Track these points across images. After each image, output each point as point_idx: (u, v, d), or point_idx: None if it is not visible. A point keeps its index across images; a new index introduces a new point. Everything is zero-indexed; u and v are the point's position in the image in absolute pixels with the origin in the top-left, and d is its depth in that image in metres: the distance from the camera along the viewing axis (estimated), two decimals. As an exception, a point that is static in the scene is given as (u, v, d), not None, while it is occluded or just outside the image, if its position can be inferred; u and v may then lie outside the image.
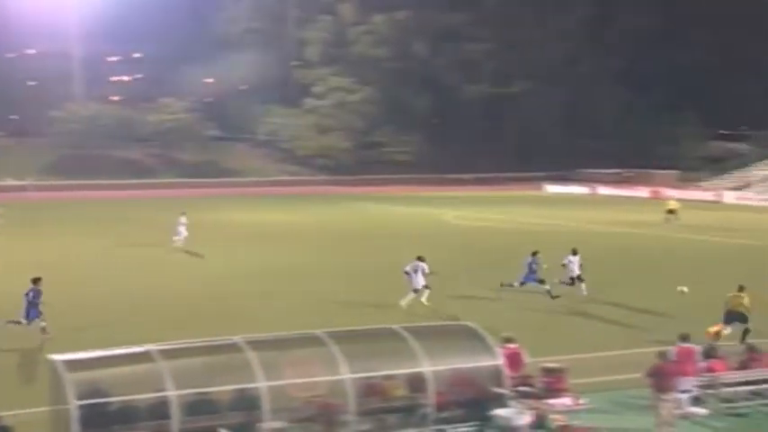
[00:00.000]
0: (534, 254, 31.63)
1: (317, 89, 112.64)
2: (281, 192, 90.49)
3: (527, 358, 18.71)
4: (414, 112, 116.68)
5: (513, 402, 16.96)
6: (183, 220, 45.57)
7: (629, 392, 19.14)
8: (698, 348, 19.18)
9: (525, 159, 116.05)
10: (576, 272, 31.88)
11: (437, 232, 54.20)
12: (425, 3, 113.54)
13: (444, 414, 16.67)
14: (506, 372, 17.26)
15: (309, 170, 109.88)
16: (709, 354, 19.38)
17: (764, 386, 18.80)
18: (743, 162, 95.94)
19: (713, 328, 23.76)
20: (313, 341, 16.98)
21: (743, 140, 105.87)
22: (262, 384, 15.73)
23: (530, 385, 17.97)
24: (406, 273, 29.67)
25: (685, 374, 18.12)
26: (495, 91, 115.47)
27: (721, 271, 37.51)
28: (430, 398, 16.43)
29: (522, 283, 31.29)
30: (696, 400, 18.48)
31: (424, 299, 29.34)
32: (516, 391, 17.39)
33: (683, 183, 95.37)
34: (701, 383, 18.52)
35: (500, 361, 17.29)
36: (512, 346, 18.75)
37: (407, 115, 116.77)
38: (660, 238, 51.38)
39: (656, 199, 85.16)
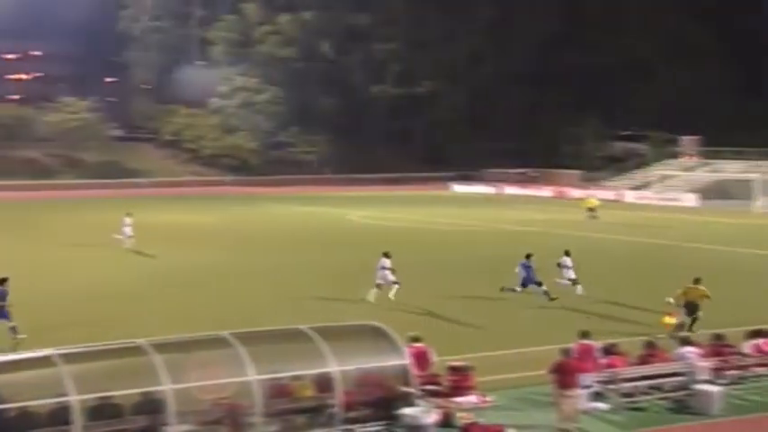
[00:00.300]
0: (528, 257, 31.06)
1: (222, 89, 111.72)
2: (187, 192, 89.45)
3: (434, 357, 18.82)
4: (320, 112, 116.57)
5: (420, 401, 17.03)
6: (128, 221, 45.05)
7: (534, 389, 19.41)
8: (597, 345, 19.54)
9: (432, 159, 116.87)
10: (572, 274, 31.79)
11: (343, 232, 54.24)
12: (331, 3, 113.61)
13: (352, 414, 16.67)
14: (413, 371, 17.34)
15: (215, 170, 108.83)
16: (609, 350, 19.78)
17: (662, 380, 19.27)
18: (642, 162, 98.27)
19: (669, 319, 24.83)
20: (219, 342, 16.80)
21: (642, 141, 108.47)
22: (167, 387, 15.50)
23: (437, 384, 18.08)
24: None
25: (586, 371, 18.45)
26: (401, 91, 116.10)
27: (639, 268, 38.53)
28: (337, 398, 16.42)
29: (523, 286, 30.76)
30: (597, 396, 18.84)
31: (370, 296, 29.78)
32: (423, 390, 17.48)
33: (587, 182, 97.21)
34: (601, 379, 18.88)
35: (407, 360, 17.36)
36: (418, 345, 18.84)
37: (314, 115, 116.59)
38: (567, 237, 52.23)
39: (561, 198, 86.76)
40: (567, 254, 32.40)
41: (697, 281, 25.93)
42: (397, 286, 30.10)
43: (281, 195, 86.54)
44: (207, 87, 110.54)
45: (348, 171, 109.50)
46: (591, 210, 62.31)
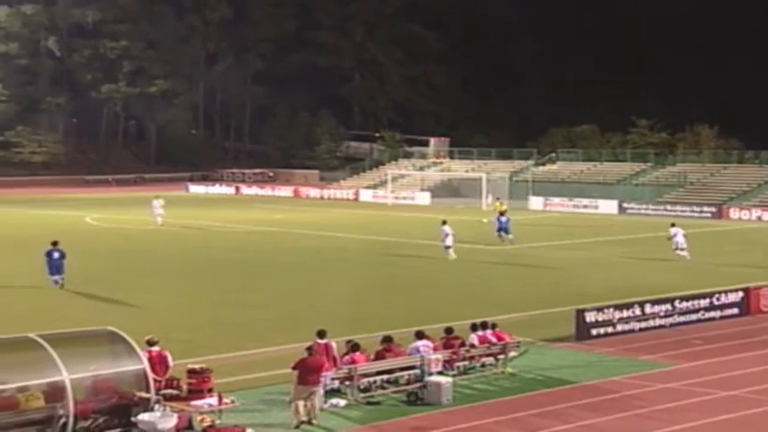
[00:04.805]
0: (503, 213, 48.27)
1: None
2: None
3: (171, 361, 18.53)
4: (49, 110, 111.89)
5: (158, 406, 16.71)
6: None
7: (274, 388, 19.53)
8: (334, 344, 19.88)
9: (169, 159, 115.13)
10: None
11: (77, 235, 52.15)
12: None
13: (86, 423, 16.10)
14: (151, 375, 16.98)
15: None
16: (351, 347, 20.08)
17: (397, 374, 19.90)
18: (377, 162, 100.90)
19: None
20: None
21: (376, 141, 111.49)
22: None
23: (175, 387, 17.80)
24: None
25: (326, 369, 18.76)
26: (133, 90, 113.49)
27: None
28: (69, 407, 15.80)
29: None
30: (335, 392, 19.21)
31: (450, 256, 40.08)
32: (162, 395, 17.17)
33: (324, 182, 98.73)
34: (339, 376, 19.25)
35: (144, 365, 16.98)
36: (155, 349, 18.50)
37: (43, 114, 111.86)
38: (305, 236, 52.85)
39: (299, 198, 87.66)
40: (444, 223, 41.18)
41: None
42: (450, 250, 40.08)
43: (9, 198, 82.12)
44: None
45: (82, 172, 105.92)
46: (502, 213, 62.15)
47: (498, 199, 64.59)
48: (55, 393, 15.91)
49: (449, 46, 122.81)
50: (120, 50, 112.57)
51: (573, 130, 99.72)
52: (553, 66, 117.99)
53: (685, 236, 41.18)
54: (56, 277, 32.56)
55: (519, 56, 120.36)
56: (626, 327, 25.48)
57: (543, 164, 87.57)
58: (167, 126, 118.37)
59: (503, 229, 46.59)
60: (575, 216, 66.89)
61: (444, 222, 41.32)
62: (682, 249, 40.59)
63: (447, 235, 40.60)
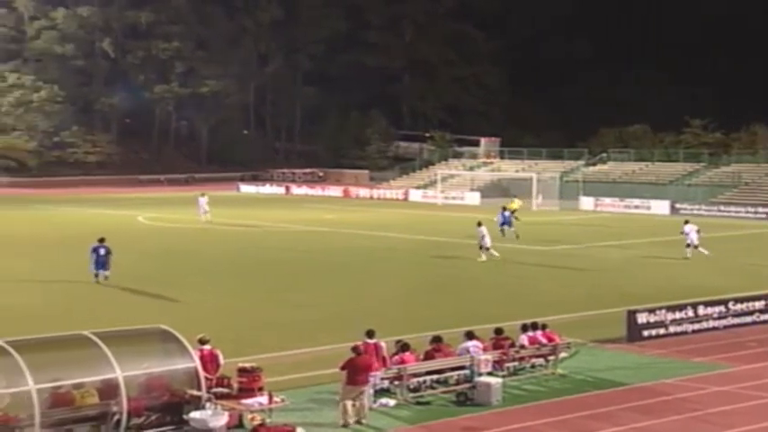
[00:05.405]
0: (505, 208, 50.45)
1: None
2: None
3: (222, 359, 18.68)
4: (103, 111, 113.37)
5: (209, 404, 16.84)
6: None
7: (324, 387, 19.57)
8: (383, 344, 19.89)
9: (220, 159, 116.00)
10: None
11: (129, 234, 52.73)
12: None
13: (139, 420, 16.29)
14: (202, 373, 17.12)
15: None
16: (401, 347, 20.08)
17: (447, 374, 19.86)
18: (427, 162, 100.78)
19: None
20: (-7, 352, 15.96)
21: (426, 141, 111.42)
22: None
23: (226, 386, 17.95)
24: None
25: (375, 368, 18.77)
26: (185, 91, 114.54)
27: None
28: (122, 404, 15.99)
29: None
30: (385, 392, 19.20)
31: (481, 258, 39.75)
32: (213, 393, 17.30)
33: (374, 182, 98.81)
34: (388, 375, 19.24)
35: (196, 363, 17.12)
36: (207, 347, 18.64)
37: (97, 114, 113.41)
38: (356, 235, 52.89)
39: (349, 197, 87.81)
40: (480, 224, 41.08)
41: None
42: (486, 251, 40.02)
43: (63, 197, 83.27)
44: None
45: (135, 171, 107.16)
46: (513, 211, 61.73)
47: (515, 196, 65.05)
48: (109, 390, 16.11)
49: (499, 46, 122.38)
50: (173, 51, 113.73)
51: (625, 130, 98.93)
52: (605, 65, 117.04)
53: (699, 231, 42.26)
54: (100, 273, 33.10)
55: (570, 56, 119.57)
56: (678, 328, 25.21)
57: (594, 164, 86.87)
58: (218, 126, 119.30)
59: (506, 222, 48.60)
60: (626, 217, 66.30)
61: (480, 224, 41.25)
62: (695, 247, 41.44)
63: (483, 236, 40.50)
